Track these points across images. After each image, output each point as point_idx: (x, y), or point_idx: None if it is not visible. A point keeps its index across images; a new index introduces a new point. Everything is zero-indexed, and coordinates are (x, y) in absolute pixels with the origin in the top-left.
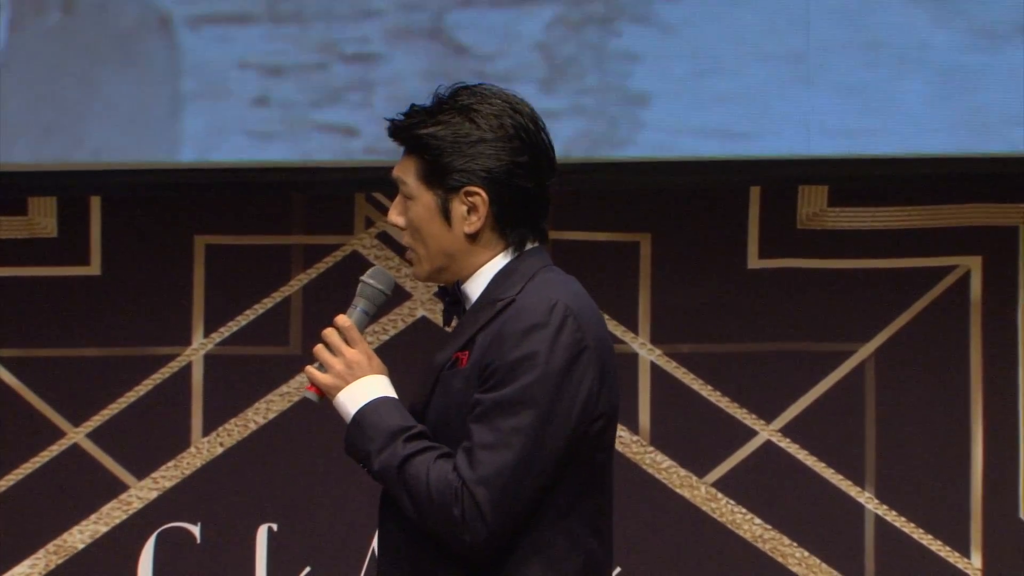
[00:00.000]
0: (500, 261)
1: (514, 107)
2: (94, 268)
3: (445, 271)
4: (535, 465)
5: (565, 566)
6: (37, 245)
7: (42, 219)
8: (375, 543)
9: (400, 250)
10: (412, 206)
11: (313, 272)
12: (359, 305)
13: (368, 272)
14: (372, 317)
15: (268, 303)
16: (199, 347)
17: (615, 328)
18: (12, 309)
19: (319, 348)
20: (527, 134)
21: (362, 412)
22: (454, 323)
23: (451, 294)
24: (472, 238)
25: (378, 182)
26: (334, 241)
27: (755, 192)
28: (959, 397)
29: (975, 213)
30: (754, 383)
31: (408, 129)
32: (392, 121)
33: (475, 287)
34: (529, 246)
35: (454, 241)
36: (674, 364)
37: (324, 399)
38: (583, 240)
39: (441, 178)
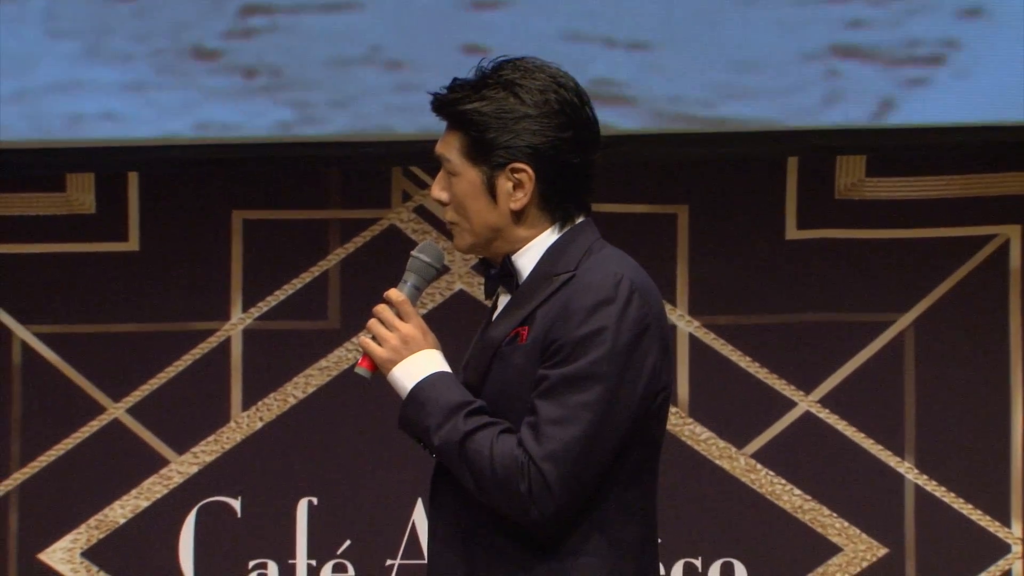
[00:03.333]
0: (551, 235)
1: (558, 82)
2: (132, 244)
3: (490, 245)
4: (602, 440)
5: (623, 538)
6: (75, 221)
7: (80, 195)
8: (415, 516)
9: (438, 224)
10: (456, 182)
11: (351, 246)
12: (409, 280)
13: (418, 247)
14: (422, 291)
15: (306, 277)
16: (238, 322)
17: None
18: (51, 286)
19: (373, 323)
20: (572, 109)
21: (419, 387)
22: (502, 297)
23: (502, 267)
24: (518, 214)
25: (415, 156)
26: (371, 215)
27: (792, 163)
28: (998, 366)
29: (1014, 182)
30: (793, 354)
31: (452, 104)
32: (435, 96)
33: (527, 260)
34: (578, 220)
35: (500, 217)
36: (712, 336)
37: (375, 374)
38: (620, 212)
39: (486, 154)
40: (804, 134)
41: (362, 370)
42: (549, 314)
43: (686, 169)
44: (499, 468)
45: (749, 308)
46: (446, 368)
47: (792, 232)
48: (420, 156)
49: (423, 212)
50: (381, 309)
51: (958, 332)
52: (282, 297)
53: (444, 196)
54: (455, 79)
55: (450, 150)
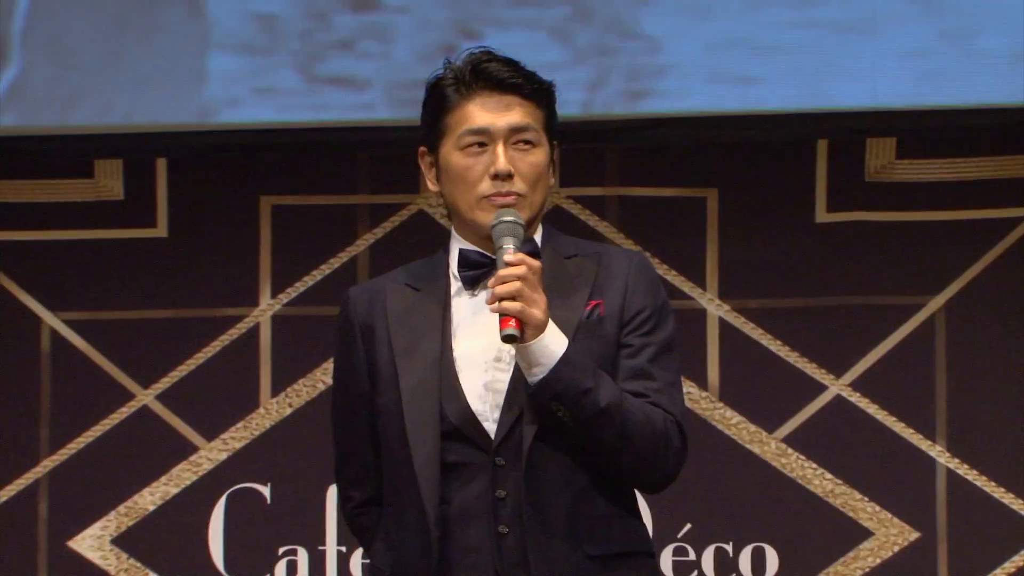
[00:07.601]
0: (538, 221)
1: None
2: (160, 230)
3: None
4: None
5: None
6: (103, 208)
7: (108, 182)
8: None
9: None
10: (534, 154)
11: (379, 231)
12: (512, 244)
13: (500, 212)
14: None
15: (335, 263)
16: (267, 308)
17: (683, 284)
18: (79, 272)
19: (523, 286)
20: None
21: (572, 349)
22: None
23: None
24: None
25: None
26: (400, 200)
27: (822, 145)
28: None
29: None
30: (823, 337)
31: (535, 78)
32: (515, 67)
33: (538, 240)
34: None
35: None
36: (742, 319)
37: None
38: (650, 196)
39: (554, 130)
40: (834, 116)
41: (514, 330)
42: (615, 288)
43: (715, 152)
44: (656, 427)
45: (779, 291)
46: None
47: (822, 215)
48: None
49: None
50: (534, 271)
51: (990, 314)
52: (311, 283)
53: (512, 168)
54: (504, 57)
55: (536, 121)
